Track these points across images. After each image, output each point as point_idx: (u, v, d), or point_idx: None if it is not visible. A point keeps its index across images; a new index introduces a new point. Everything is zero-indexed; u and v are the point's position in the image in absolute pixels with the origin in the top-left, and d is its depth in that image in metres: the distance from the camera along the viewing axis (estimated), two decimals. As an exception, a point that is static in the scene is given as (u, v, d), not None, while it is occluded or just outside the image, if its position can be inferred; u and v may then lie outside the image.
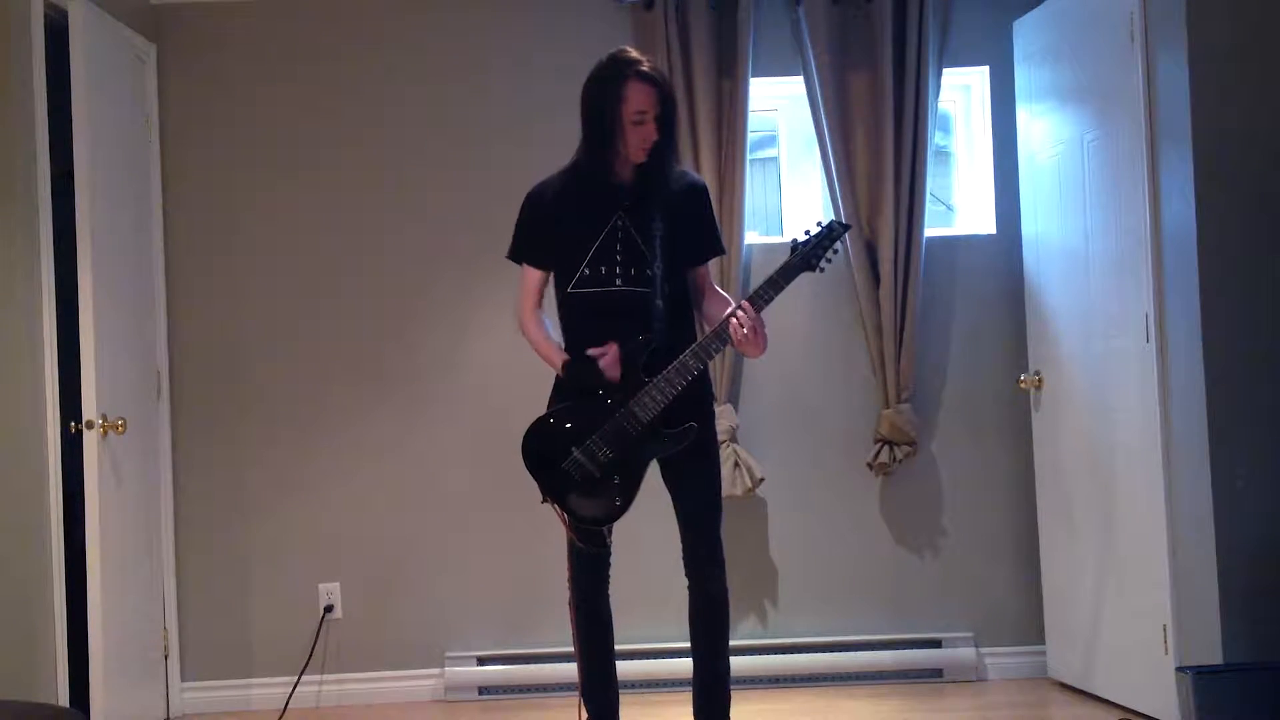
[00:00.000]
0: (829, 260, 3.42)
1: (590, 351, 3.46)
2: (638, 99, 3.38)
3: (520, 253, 3.61)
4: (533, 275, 3.61)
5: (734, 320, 3.35)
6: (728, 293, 3.70)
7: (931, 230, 4.96)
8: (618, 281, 3.46)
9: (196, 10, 5.01)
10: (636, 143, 3.41)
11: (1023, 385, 4.81)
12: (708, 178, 4.69)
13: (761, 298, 3.37)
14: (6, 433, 4.02)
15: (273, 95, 5.03)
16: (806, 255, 3.40)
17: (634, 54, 3.44)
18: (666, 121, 3.43)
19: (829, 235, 3.41)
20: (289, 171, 5.02)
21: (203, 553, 4.94)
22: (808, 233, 3.43)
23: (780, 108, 5.24)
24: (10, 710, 3.14)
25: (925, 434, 4.97)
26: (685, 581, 3.57)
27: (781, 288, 3.38)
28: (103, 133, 4.41)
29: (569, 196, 3.51)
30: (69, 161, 4.27)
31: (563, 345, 3.57)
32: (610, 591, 3.67)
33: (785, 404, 4.99)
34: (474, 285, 4.99)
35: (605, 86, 3.40)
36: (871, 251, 4.86)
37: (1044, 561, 4.81)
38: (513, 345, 4.90)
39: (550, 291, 3.64)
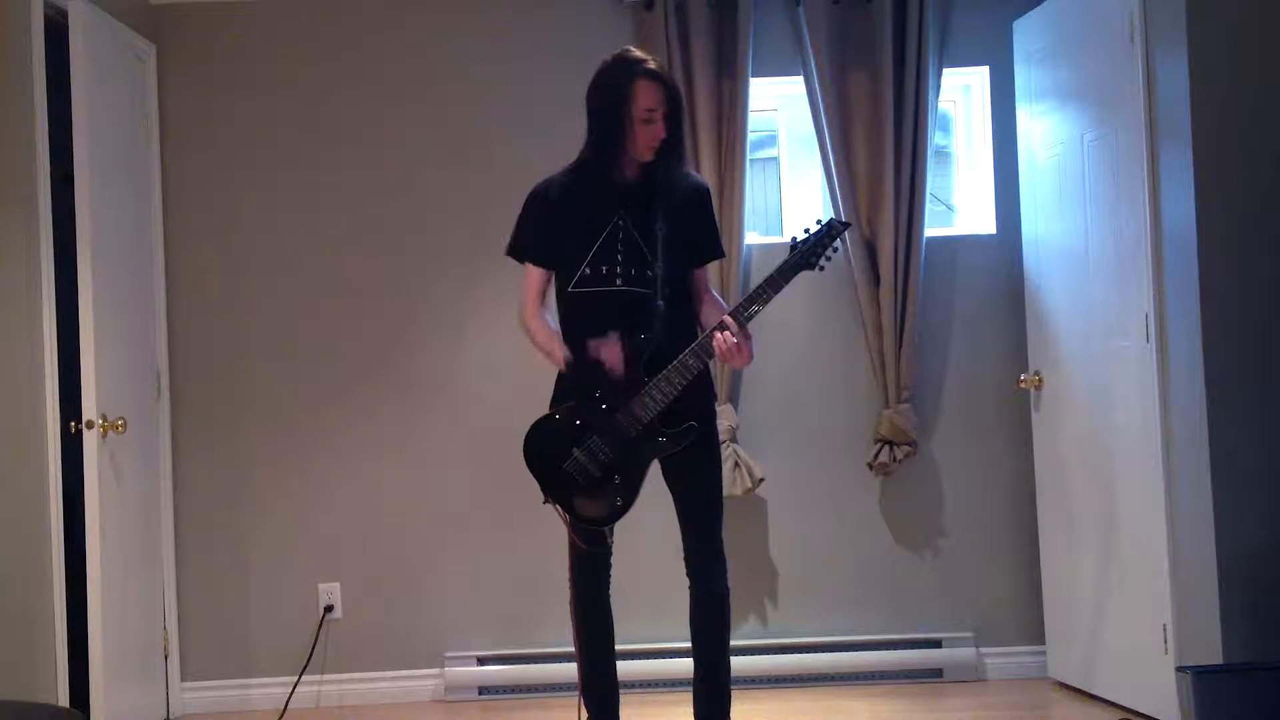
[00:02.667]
0: (828, 258, 3.42)
1: (592, 344, 3.45)
2: (646, 97, 3.38)
3: (522, 250, 3.60)
4: (535, 274, 3.60)
5: (718, 336, 3.36)
6: (727, 294, 3.71)
7: (931, 230, 4.96)
8: (618, 281, 3.47)
9: (196, 10, 5.01)
10: (645, 141, 3.42)
11: (1023, 385, 4.81)
12: (708, 178, 4.68)
13: (760, 297, 3.37)
14: (6, 433, 4.02)
15: (272, 95, 5.03)
16: (805, 254, 3.40)
17: (640, 53, 3.45)
18: (674, 120, 3.43)
19: (828, 233, 3.41)
20: (288, 171, 5.02)
21: (203, 553, 4.94)
22: (807, 231, 3.43)
23: (780, 108, 5.24)
24: (10, 710, 3.14)
25: (925, 434, 4.97)
26: (686, 581, 3.57)
27: (780, 287, 3.38)
28: (103, 133, 4.41)
29: (572, 195, 3.51)
30: (69, 162, 4.27)
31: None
32: (611, 591, 3.67)
33: (785, 404, 4.99)
34: (474, 285, 4.99)
35: (614, 85, 3.41)
36: (871, 251, 4.86)
37: (1044, 561, 4.81)
38: (513, 345, 4.90)
39: (550, 291, 3.64)
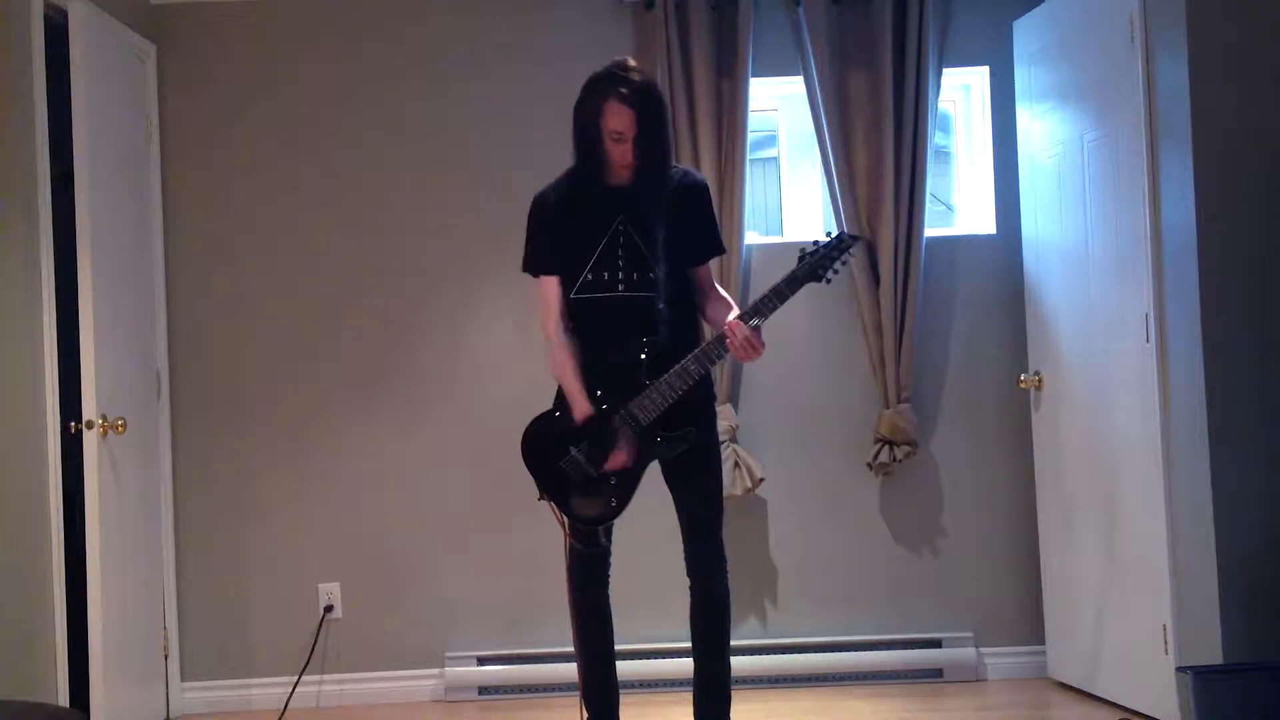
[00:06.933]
0: (836, 272, 3.41)
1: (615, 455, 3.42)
2: (614, 119, 3.34)
3: (535, 264, 3.57)
4: (550, 285, 3.54)
5: (730, 339, 3.36)
6: (728, 294, 3.69)
7: (931, 230, 4.96)
8: (620, 286, 3.46)
9: (196, 10, 5.01)
10: (616, 158, 3.40)
11: (1023, 385, 4.81)
12: (708, 178, 4.67)
13: (766, 307, 3.37)
14: (6, 433, 4.02)
15: (272, 96, 5.03)
16: (814, 266, 3.39)
17: (624, 69, 3.37)
18: (651, 141, 3.38)
19: (838, 246, 3.41)
20: (289, 172, 5.02)
21: (203, 553, 4.94)
22: (816, 243, 3.42)
23: (780, 108, 5.24)
24: (10, 710, 3.14)
25: (925, 434, 4.97)
26: (686, 581, 3.57)
27: (787, 297, 3.38)
28: (103, 133, 4.41)
29: (571, 202, 3.50)
30: (69, 161, 4.27)
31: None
32: (610, 591, 3.67)
33: (785, 404, 4.99)
34: (475, 285, 4.99)
35: (588, 100, 3.39)
36: (871, 251, 4.86)
37: (1044, 561, 4.81)
38: (513, 346, 4.93)
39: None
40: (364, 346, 5.01)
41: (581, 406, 3.46)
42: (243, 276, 5.01)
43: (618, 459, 3.42)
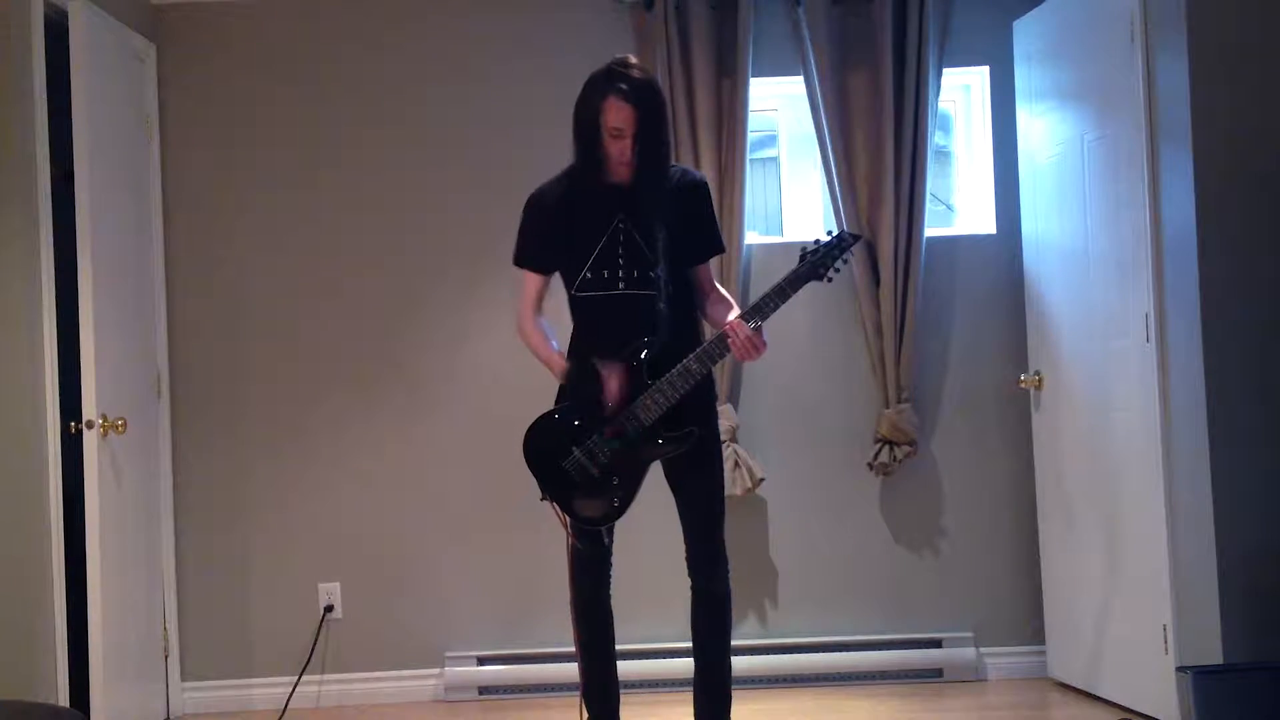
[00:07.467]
0: (837, 270, 3.42)
1: (598, 362, 3.44)
2: (614, 115, 3.35)
3: (521, 257, 3.60)
4: (532, 280, 3.60)
5: (731, 339, 3.37)
6: (728, 294, 3.70)
7: (931, 230, 4.96)
8: (620, 285, 3.46)
9: (196, 10, 5.01)
10: (615, 155, 3.41)
11: (1023, 385, 4.81)
12: (708, 177, 4.67)
13: (767, 306, 3.38)
14: (6, 433, 4.02)
15: (272, 96, 5.03)
16: (815, 265, 3.40)
17: (625, 66, 3.38)
18: (650, 138, 3.38)
19: (839, 245, 3.42)
20: (288, 172, 5.02)
21: (203, 553, 4.94)
22: (817, 241, 3.43)
23: (780, 108, 5.24)
24: (10, 710, 3.14)
25: (925, 434, 4.97)
26: (687, 581, 3.57)
27: (788, 296, 3.39)
28: (103, 133, 4.41)
29: (570, 200, 3.50)
30: (69, 162, 4.27)
31: (569, 347, 3.57)
32: (611, 591, 3.67)
33: (785, 404, 4.99)
34: (475, 285, 4.99)
35: (588, 97, 3.40)
36: (871, 251, 4.86)
37: (1044, 561, 4.81)
38: (513, 346, 4.87)
39: (552, 295, 3.64)
40: (364, 346, 5.01)
41: (558, 363, 3.53)
42: (243, 276, 5.01)
43: (610, 390, 3.41)
